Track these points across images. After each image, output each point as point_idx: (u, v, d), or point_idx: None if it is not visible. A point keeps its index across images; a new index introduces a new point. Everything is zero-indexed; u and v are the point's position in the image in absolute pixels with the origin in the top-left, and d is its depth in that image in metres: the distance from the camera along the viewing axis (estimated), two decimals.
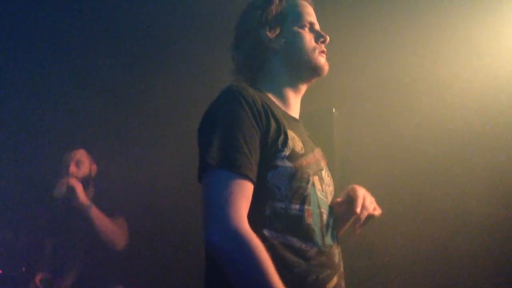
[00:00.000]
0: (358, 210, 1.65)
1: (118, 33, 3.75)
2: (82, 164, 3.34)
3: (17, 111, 3.95)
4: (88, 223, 3.12)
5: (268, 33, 1.74)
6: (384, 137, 3.11)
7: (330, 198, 1.69)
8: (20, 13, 3.72)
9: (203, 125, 1.58)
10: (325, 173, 1.70)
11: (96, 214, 3.10)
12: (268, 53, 1.76)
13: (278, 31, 1.75)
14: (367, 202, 1.70)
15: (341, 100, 3.00)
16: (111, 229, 3.16)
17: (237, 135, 1.47)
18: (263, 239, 1.42)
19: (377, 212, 1.73)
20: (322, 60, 1.76)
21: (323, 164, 1.72)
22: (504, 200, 2.94)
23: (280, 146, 1.54)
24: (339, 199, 1.74)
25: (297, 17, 1.78)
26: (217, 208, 1.39)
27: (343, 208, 1.73)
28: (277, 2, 1.78)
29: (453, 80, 3.13)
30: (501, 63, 3.05)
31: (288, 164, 1.54)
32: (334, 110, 2.86)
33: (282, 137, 1.55)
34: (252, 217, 1.43)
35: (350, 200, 1.71)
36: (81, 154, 3.38)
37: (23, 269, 3.35)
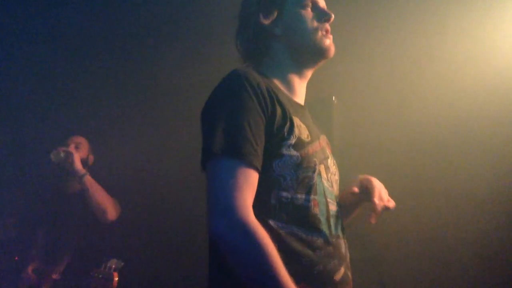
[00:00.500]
0: (377, 200, 1.62)
1: (116, 25, 3.70)
2: (81, 146, 3.34)
3: (12, 102, 3.91)
4: (82, 192, 3.17)
5: (267, 18, 1.68)
6: (384, 127, 3.09)
7: (336, 187, 1.65)
8: (18, 9, 3.66)
9: (206, 110, 1.53)
10: (330, 162, 1.66)
11: (90, 181, 3.14)
12: (270, 38, 1.70)
13: (275, 15, 1.69)
14: (383, 193, 1.68)
15: (341, 88, 2.96)
16: (104, 197, 3.18)
17: (242, 122, 1.42)
18: (269, 229, 1.38)
19: (392, 204, 1.71)
20: (327, 41, 1.68)
21: (328, 152, 1.68)
22: (503, 195, 2.93)
23: (286, 134, 1.49)
24: (355, 189, 1.71)
25: None
26: (222, 197, 1.35)
27: (353, 198, 1.71)
28: None
29: (455, 70, 3.11)
30: (504, 59, 3.03)
31: (294, 152, 1.49)
32: (334, 99, 2.83)
33: (288, 124, 1.51)
34: (257, 207, 1.39)
35: (365, 190, 1.69)
36: (81, 139, 3.40)
37: (16, 259, 3.30)
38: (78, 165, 3.14)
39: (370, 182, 1.70)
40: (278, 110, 1.50)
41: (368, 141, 3.00)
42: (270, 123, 1.48)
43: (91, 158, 3.42)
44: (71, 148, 3.21)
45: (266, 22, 1.68)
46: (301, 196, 1.49)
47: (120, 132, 3.81)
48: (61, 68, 3.87)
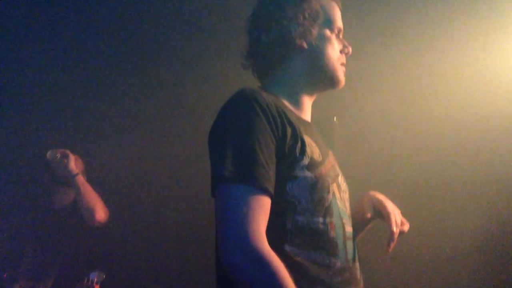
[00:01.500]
0: (395, 229, 1.58)
1: (109, 31, 3.63)
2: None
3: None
4: (71, 205, 3.14)
5: (300, 29, 1.61)
6: (385, 146, 3.06)
7: (347, 206, 1.59)
8: (13, 16, 3.62)
9: (214, 133, 1.47)
10: (341, 179, 1.61)
11: (81, 181, 3.12)
12: (293, 49, 1.63)
13: (312, 29, 1.62)
14: (398, 218, 1.63)
15: (342, 108, 2.94)
16: (94, 198, 3.13)
17: (253, 144, 1.36)
18: (285, 256, 1.33)
19: (406, 227, 1.67)
20: (342, 73, 1.67)
21: (338, 168, 1.63)
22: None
23: (298, 154, 1.43)
24: (368, 215, 1.68)
25: (331, 21, 1.67)
26: (234, 225, 1.29)
27: (364, 217, 1.68)
28: (314, 1, 1.65)
29: (456, 88, 3.10)
30: (506, 63, 3.03)
31: (308, 174, 1.43)
32: (335, 119, 2.81)
33: (299, 144, 1.45)
34: (272, 232, 1.33)
35: (378, 213, 1.66)
36: (66, 151, 3.27)
37: (4, 276, 3.21)
38: (72, 165, 3.12)
39: (384, 206, 1.65)
40: (289, 130, 1.45)
41: (369, 161, 2.97)
42: (281, 144, 1.42)
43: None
44: (66, 150, 3.18)
45: (300, 33, 1.61)
46: (317, 220, 1.43)
47: (111, 145, 3.72)
48: (52, 73, 3.76)
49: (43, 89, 3.74)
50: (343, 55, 1.68)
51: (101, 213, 3.14)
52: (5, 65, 3.70)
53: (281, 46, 1.63)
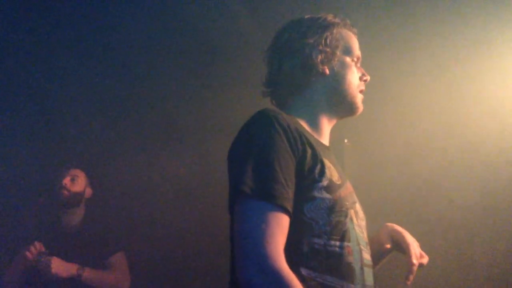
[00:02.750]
0: (415, 261, 1.58)
1: (116, 43, 3.63)
2: (77, 179, 3.25)
3: (13, 124, 3.85)
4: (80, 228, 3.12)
5: (321, 56, 1.65)
6: (396, 169, 3.03)
7: (365, 234, 1.58)
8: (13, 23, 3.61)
9: (235, 149, 1.47)
10: (358, 206, 1.59)
11: (89, 277, 3.00)
12: (314, 76, 1.66)
13: (333, 56, 1.67)
14: (417, 250, 1.63)
15: (353, 130, 2.92)
16: (113, 282, 3.09)
17: (273, 162, 1.36)
18: (301, 279, 1.30)
19: (426, 260, 1.66)
20: (360, 101, 1.71)
21: (355, 196, 1.61)
22: None
23: (317, 175, 1.43)
24: (387, 246, 1.68)
25: (350, 49, 1.72)
26: (253, 243, 1.27)
27: (382, 248, 1.68)
28: (336, 29, 1.71)
29: (469, 113, 3.09)
30: None
31: (326, 195, 1.43)
32: (346, 141, 2.78)
33: (319, 166, 1.45)
34: (288, 253, 1.30)
35: (397, 245, 1.66)
36: (78, 172, 3.30)
37: None
38: (64, 271, 2.91)
39: (403, 238, 1.66)
40: (309, 151, 1.45)
41: (379, 184, 2.93)
42: (300, 164, 1.42)
43: (88, 191, 3.32)
44: (66, 182, 3.13)
45: (320, 59, 1.65)
46: (334, 243, 1.41)
47: (119, 161, 3.72)
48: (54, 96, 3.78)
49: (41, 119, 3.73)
50: (362, 82, 1.72)
51: (123, 286, 3.13)
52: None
53: (303, 72, 1.66)
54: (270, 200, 1.32)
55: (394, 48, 3.13)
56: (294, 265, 1.31)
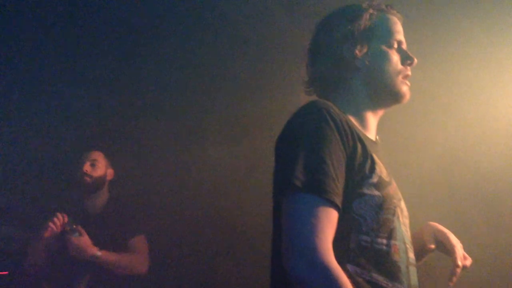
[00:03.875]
0: (460, 263, 1.57)
1: (140, 35, 3.63)
2: (97, 164, 3.25)
3: (32, 112, 3.86)
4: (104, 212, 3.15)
5: (352, 49, 1.58)
6: (428, 165, 2.99)
7: (409, 232, 1.55)
8: (37, 11, 3.62)
9: (285, 141, 1.44)
10: (403, 204, 1.57)
11: (108, 260, 2.99)
12: (349, 71, 1.61)
13: (364, 48, 1.59)
14: (461, 252, 1.62)
15: (384, 126, 2.88)
16: (130, 265, 3.07)
17: (324, 156, 1.33)
18: (347, 275, 1.28)
19: (469, 262, 1.65)
20: (404, 87, 1.61)
21: (400, 194, 1.58)
22: None
23: (367, 171, 1.41)
24: (431, 246, 1.66)
25: (386, 35, 1.62)
26: (303, 236, 1.26)
27: (423, 246, 1.66)
28: (367, 17, 1.62)
29: (500, 116, 3.04)
30: None
31: (376, 192, 1.40)
32: (377, 137, 2.74)
33: (369, 161, 1.42)
34: (335, 249, 1.29)
35: (441, 246, 1.65)
36: (97, 155, 3.30)
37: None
38: (88, 246, 2.93)
39: (448, 239, 1.64)
40: (359, 147, 1.42)
41: (411, 181, 2.89)
42: (351, 159, 1.39)
43: (110, 173, 3.33)
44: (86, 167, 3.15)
45: (353, 54, 1.59)
46: (381, 241, 1.39)
47: (139, 146, 3.74)
48: (79, 74, 3.77)
49: (69, 93, 3.74)
50: (406, 67, 1.63)
51: (141, 269, 3.12)
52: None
53: (336, 69, 1.61)
54: (321, 194, 1.30)
55: (428, 48, 3.08)
56: (341, 261, 1.29)
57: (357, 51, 1.58)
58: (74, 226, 2.94)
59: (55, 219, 2.95)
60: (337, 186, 1.33)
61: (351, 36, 1.59)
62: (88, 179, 3.17)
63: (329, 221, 1.29)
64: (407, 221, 1.55)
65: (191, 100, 3.66)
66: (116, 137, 3.71)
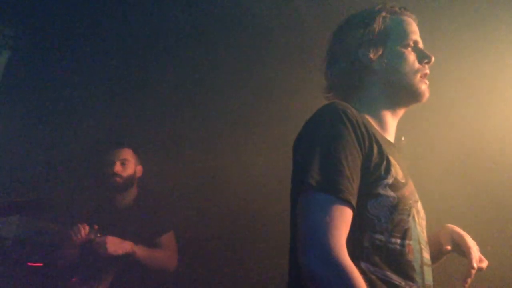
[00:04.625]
0: (475, 265, 1.58)
1: (172, 33, 3.70)
2: (127, 163, 3.30)
3: (62, 110, 3.98)
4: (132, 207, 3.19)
5: (368, 53, 1.62)
6: (456, 169, 2.95)
7: (425, 233, 1.58)
8: (70, 15, 3.74)
9: (302, 141, 1.49)
10: (420, 205, 1.60)
11: (143, 254, 3.05)
12: (366, 73, 1.65)
13: (379, 51, 1.63)
14: (477, 254, 1.63)
15: (411, 127, 2.86)
16: (162, 261, 3.14)
17: (340, 156, 1.37)
18: (361, 272, 1.31)
19: (485, 264, 1.66)
20: (423, 86, 1.64)
21: (416, 195, 1.61)
22: None
23: (383, 172, 1.44)
24: (448, 247, 1.67)
25: (401, 36, 1.66)
26: (316, 234, 1.30)
27: (440, 248, 1.68)
28: (380, 20, 1.66)
29: None
30: None
31: (390, 193, 1.43)
32: (403, 138, 2.73)
33: (385, 163, 1.45)
34: (349, 247, 1.32)
35: (457, 247, 1.66)
36: (127, 153, 3.35)
37: (74, 280, 3.30)
38: (120, 248, 2.97)
39: (464, 241, 1.65)
40: (375, 148, 1.46)
41: (438, 183, 2.87)
42: (367, 160, 1.43)
43: (139, 169, 3.38)
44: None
45: (369, 57, 1.63)
46: (395, 240, 1.42)
47: (168, 142, 3.78)
48: (109, 71, 3.85)
49: (98, 90, 3.82)
50: (424, 65, 1.65)
51: (171, 266, 3.18)
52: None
53: (353, 73, 1.65)
54: (336, 193, 1.34)
55: (455, 49, 3.04)
56: (354, 259, 1.32)
57: (372, 54, 1.62)
58: (99, 235, 2.99)
59: (77, 232, 2.99)
60: (352, 186, 1.36)
61: (366, 40, 1.63)
62: (118, 179, 3.23)
63: (343, 220, 1.33)
64: (423, 222, 1.58)
65: (218, 98, 3.70)
66: (145, 133, 3.76)
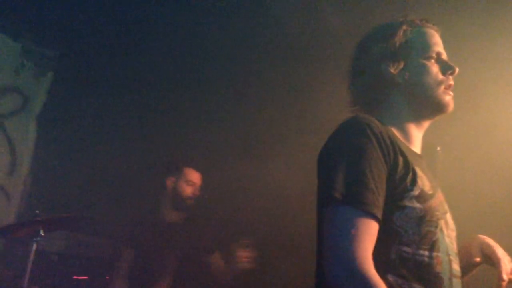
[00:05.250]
0: (505, 276, 1.56)
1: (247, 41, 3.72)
2: (197, 186, 3.32)
3: (104, 130, 4.10)
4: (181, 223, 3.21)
5: (390, 67, 1.63)
6: (492, 181, 2.89)
7: (455, 245, 1.57)
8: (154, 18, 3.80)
9: (327, 154, 1.50)
10: (449, 217, 1.58)
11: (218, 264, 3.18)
12: (390, 87, 1.65)
13: (401, 64, 1.63)
14: (508, 265, 1.60)
15: (447, 138, 2.82)
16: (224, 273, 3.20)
17: (365, 170, 1.38)
18: (388, 285, 1.32)
19: None
20: (447, 97, 1.63)
21: (446, 206, 1.60)
22: None
23: (409, 184, 1.44)
24: (477, 259, 1.65)
25: (423, 48, 1.66)
26: (342, 247, 1.31)
27: (471, 259, 1.66)
28: (401, 34, 1.66)
29: None
30: None
31: (417, 205, 1.43)
32: (438, 149, 2.70)
33: (410, 174, 1.45)
34: (376, 260, 1.33)
35: (487, 259, 1.64)
36: (197, 177, 3.35)
37: (107, 278, 3.41)
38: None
39: (494, 252, 1.63)
40: (400, 160, 1.46)
41: (474, 196, 2.82)
42: (392, 172, 1.43)
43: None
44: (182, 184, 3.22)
45: (390, 70, 1.63)
46: (423, 252, 1.42)
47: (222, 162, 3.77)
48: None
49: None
50: (448, 76, 1.64)
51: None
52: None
53: (376, 87, 1.66)
54: (360, 206, 1.35)
55: (490, 52, 2.99)
56: (381, 271, 1.33)
57: (393, 69, 1.63)
58: None
59: None
60: (377, 198, 1.37)
61: (387, 54, 1.64)
62: (190, 201, 3.27)
63: (368, 232, 1.34)
64: (452, 233, 1.56)
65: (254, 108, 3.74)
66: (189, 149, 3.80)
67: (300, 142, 3.43)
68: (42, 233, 2.92)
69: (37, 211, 2.96)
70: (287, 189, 3.41)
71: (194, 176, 3.34)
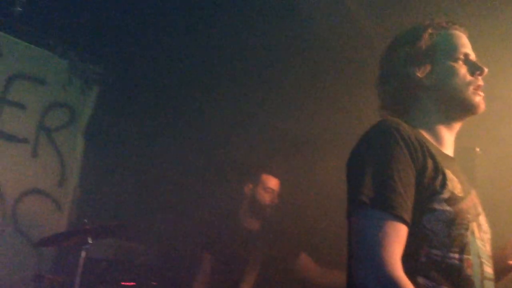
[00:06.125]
0: None
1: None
2: (276, 193, 3.29)
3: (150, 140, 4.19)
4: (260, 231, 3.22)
5: (417, 70, 1.64)
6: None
7: (488, 247, 1.55)
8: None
9: (355, 159, 1.52)
10: (482, 219, 1.57)
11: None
12: (418, 90, 1.66)
13: (428, 67, 1.64)
14: None
15: (486, 138, 2.77)
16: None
17: (393, 173, 1.40)
18: (417, 287, 1.33)
19: None
20: (477, 98, 1.63)
21: (480, 208, 1.59)
22: None
23: (438, 187, 1.44)
24: (510, 261, 1.65)
25: (450, 50, 1.66)
26: (371, 251, 1.33)
27: (505, 263, 1.65)
28: (427, 37, 1.67)
29: None
30: None
31: (447, 208, 1.43)
32: (478, 150, 2.66)
33: (440, 177, 1.46)
34: (405, 262, 1.34)
35: None
36: (275, 184, 3.32)
37: (154, 284, 3.49)
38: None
39: None
40: (430, 163, 1.46)
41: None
42: (421, 176, 1.44)
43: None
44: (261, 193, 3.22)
45: (417, 74, 1.64)
46: (453, 255, 1.42)
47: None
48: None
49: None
50: (477, 77, 1.64)
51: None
52: None
53: (404, 91, 1.67)
54: (388, 210, 1.36)
55: None
56: (411, 274, 1.34)
57: (420, 72, 1.64)
58: None
59: None
60: (405, 202, 1.38)
61: (413, 58, 1.65)
62: (269, 210, 3.26)
63: (396, 236, 1.35)
64: (485, 236, 1.55)
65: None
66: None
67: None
68: (90, 241, 3.04)
69: (85, 220, 3.08)
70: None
71: (273, 183, 3.31)
